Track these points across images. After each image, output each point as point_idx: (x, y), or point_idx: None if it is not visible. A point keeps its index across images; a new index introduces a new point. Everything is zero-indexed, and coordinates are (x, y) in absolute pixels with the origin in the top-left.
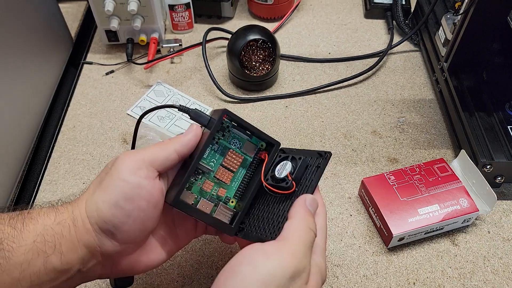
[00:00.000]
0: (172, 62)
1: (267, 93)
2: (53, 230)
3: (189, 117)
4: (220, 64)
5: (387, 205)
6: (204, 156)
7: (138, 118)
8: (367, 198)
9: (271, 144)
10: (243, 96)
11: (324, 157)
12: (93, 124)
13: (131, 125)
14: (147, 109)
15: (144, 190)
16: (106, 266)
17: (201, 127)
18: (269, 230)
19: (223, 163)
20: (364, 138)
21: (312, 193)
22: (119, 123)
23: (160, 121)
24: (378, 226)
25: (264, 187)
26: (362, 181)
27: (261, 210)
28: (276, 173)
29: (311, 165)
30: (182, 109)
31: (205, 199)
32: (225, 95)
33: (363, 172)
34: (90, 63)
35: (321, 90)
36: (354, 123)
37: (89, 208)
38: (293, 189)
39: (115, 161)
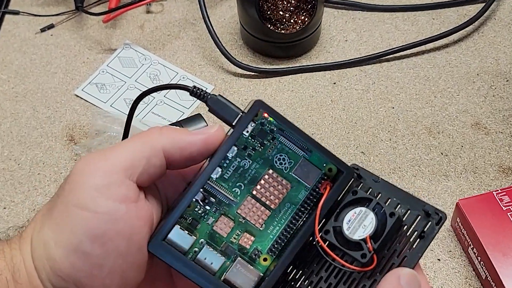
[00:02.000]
0: (148, 12)
1: (303, 61)
2: None
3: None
4: (227, 15)
5: (498, 244)
6: (226, 176)
7: (132, 103)
8: (465, 232)
9: (338, 170)
10: (263, 66)
11: (434, 219)
12: (20, 112)
13: (81, 113)
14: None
15: (121, 221)
16: None
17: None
18: None
19: (254, 192)
20: (460, 135)
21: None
22: (62, 110)
23: (128, 107)
24: (484, 277)
25: (318, 248)
26: (457, 204)
27: (312, 280)
28: (345, 227)
29: (408, 227)
30: (196, 93)
31: (214, 249)
32: (235, 64)
33: (458, 190)
34: (16, 12)
35: (391, 56)
36: (445, 111)
37: (36, 254)
38: (372, 267)
39: (70, 174)
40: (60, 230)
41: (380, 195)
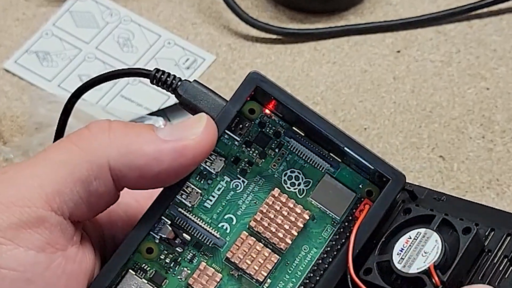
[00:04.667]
0: None
1: (351, 18)
2: None
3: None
4: None
5: None
6: (208, 204)
7: (64, 105)
8: None
9: (382, 180)
10: (291, 25)
11: None
12: None
13: (14, 97)
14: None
15: (40, 283)
16: None
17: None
18: None
19: (253, 223)
20: None
21: None
22: None
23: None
24: None
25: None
26: None
27: None
28: (396, 259)
29: (494, 253)
30: (160, 80)
31: None
32: (248, 23)
33: None
34: None
35: (485, 11)
36: None
37: None
38: None
39: None
40: None
41: (447, 216)
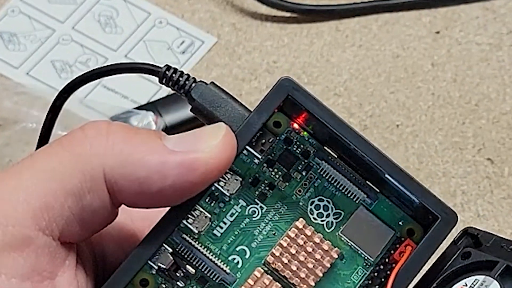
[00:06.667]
0: None
1: None
2: None
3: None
4: None
5: None
6: (217, 232)
7: (62, 89)
8: None
9: (427, 217)
10: (308, 1)
11: None
12: None
13: None
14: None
15: None
16: None
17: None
18: None
19: (271, 259)
20: None
21: None
22: None
23: (60, 77)
24: None
25: None
26: None
27: None
28: None
29: None
30: (171, 79)
31: None
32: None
33: None
34: None
35: None
36: None
37: None
38: None
39: None
40: None
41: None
